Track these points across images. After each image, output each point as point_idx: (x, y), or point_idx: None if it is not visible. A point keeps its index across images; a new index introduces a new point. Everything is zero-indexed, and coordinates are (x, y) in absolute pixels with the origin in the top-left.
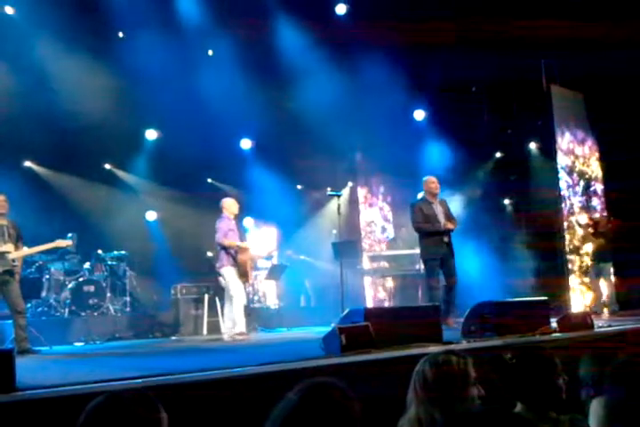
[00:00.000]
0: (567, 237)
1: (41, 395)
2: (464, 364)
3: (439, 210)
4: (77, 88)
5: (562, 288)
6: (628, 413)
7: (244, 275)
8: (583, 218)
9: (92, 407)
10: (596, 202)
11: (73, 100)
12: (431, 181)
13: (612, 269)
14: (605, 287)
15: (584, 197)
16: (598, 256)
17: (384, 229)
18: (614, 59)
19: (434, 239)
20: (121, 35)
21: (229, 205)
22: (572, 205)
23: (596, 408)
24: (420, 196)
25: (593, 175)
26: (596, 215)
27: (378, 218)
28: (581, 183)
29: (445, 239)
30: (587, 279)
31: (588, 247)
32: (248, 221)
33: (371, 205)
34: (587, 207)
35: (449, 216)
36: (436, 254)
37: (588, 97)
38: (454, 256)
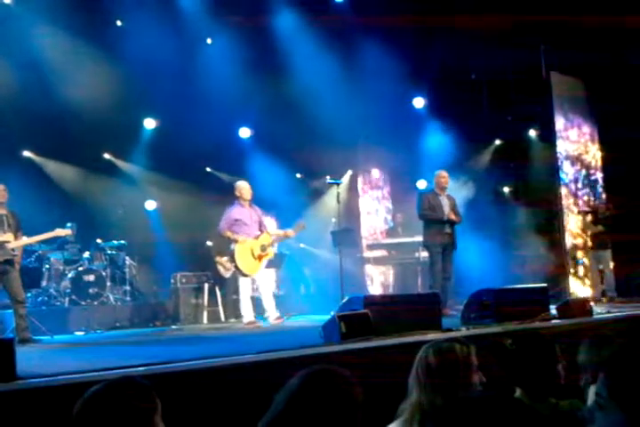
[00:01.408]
0: (567, 224)
1: (41, 384)
2: (467, 352)
3: (445, 202)
4: (76, 77)
5: (562, 275)
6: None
7: (237, 268)
8: (582, 205)
9: (87, 396)
10: (595, 189)
11: (71, 89)
12: (442, 175)
13: (610, 257)
14: (604, 274)
15: (584, 184)
16: (597, 243)
17: (383, 217)
18: (614, 45)
19: (436, 228)
20: (119, 23)
21: (240, 190)
22: (571, 192)
23: (594, 394)
24: (418, 184)
25: (592, 162)
26: (595, 202)
27: (377, 206)
28: (583, 171)
29: (448, 230)
30: (586, 266)
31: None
32: None
33: (370, 193)
34: (587, 194)
35: (454, 211)
36: (438, 242)
37: (587, 84)
38: (455, 249)
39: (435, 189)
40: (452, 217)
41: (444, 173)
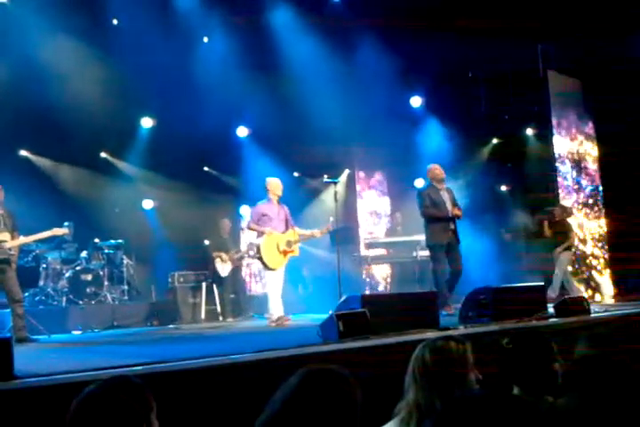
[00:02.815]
0: None
1: (39, 383)
2: (463, 349)
3: (446, 197)
4: (72, 76)
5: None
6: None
7: (262, 261)
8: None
9: (82, 396)
10: (594, 187)
11: (68, 88)
12: (435, 167)
13: (568, 258)
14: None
15: (581, 182)
16: (554, 245)
17: (381, 216)
18: (611, 44)
19: (440, 225)
20: (115, 22)
21: (272, 186)
22: (568, 190)
23: None
24: (416, 183)
25: (589, 160)
26: (553, 207)
27: (375, 205)
28: (580, 169)
29: (451, 226)
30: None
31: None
32: (244, 210)
33: (368, 192)
34: (583, 192)
35: (455, 204)
36: (442, 241)
37: (585, 83)
38: (460, 243)
39: (432, 184)
40: (456, 212)
41: (437, 166)
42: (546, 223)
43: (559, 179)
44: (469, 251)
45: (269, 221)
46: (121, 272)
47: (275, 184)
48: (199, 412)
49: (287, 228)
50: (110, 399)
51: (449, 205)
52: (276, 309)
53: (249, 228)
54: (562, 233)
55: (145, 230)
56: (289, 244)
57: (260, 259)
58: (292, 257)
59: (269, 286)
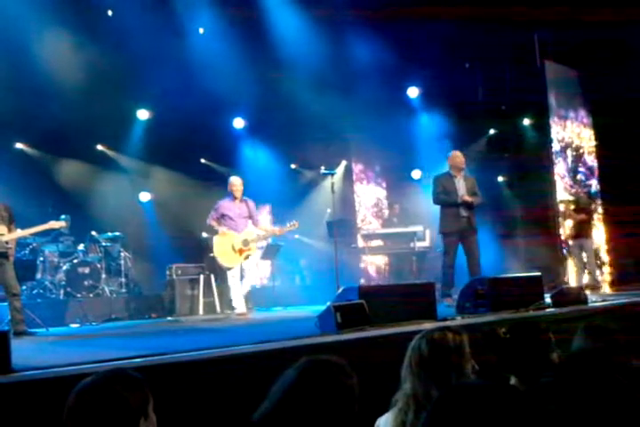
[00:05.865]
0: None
1: (36, 376)
2: (460, 340)
3: (461, 184)
4: (68, 69)
5: (558, 265)
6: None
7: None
8: (566, 195)
9: (78, 388)
10: (591, 176)
11: (63, 80)
12: (456, 155)
13: (592, 245)
14: (586, 263)
15: (578, 172)
16: (579, 232)
17: (378, 208)
18: (608, 34)
19: (451, 212)
20: (110, 13)
21: (229, 186)
22: (565, 180)
23: None
24: (413, 174)
25: (586, 150)
26: (578, 191)
27: (372, 196)
28: (577, 159)
29: (464, 213)
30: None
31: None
32: None
33: (365, 184)
34: (578, 183)
35: (472, 192)
36: (453, 228)
37: (582, 72)
38: (476, 234)
39: (450, 171)
40: (466, 198)
41: (459, 153)
42: (571, 207)
43: (556, 168)
44: None
45: (229, 220)
46: (118, 265)
47: (232, 184)
48: (198, 404)
49: (255, 224)
50: (107, 392)
51: (461, 192)
52: (239, 304)
53: (208, 223)
54: (586, 221)
55: (142, 223)
56: (245, 242)
57: (216, 258)
58: (285, 248)
59: (229, 282)
